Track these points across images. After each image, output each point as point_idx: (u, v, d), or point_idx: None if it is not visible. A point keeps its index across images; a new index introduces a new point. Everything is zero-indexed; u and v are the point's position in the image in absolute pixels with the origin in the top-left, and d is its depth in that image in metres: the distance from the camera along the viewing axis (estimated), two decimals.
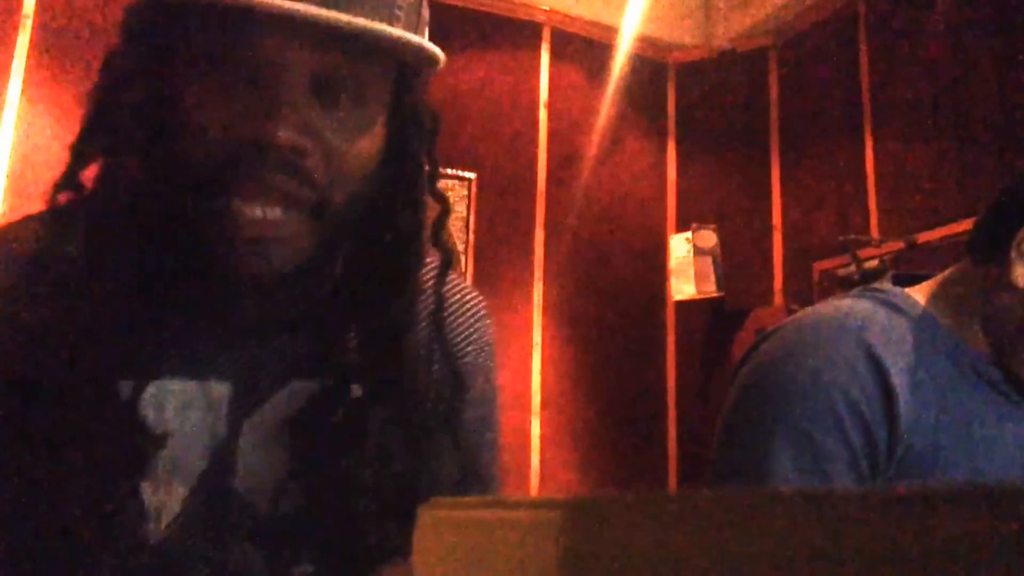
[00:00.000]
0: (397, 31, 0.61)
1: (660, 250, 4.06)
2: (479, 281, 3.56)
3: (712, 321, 3.98)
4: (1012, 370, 0.97)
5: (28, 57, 2.99)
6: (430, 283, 0.77)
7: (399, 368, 0.70)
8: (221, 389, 0.67)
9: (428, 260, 0.76)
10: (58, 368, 0.60)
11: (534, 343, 3.74)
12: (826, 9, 3.82)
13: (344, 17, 0.58)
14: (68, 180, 0.64)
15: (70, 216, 0.64)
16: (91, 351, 0.61)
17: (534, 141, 3.90)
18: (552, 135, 3.94)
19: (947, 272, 1.03)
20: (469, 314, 0.80)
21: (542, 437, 3.71)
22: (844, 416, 0.90)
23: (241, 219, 0.60)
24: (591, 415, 3.82)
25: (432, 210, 0.74)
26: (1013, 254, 0.94)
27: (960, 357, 0.97)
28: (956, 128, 3.17)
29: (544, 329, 3.79)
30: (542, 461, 3.69)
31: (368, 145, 0.65)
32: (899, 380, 0.91)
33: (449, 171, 3.57)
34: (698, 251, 3.87)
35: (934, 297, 1.01)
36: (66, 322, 0.61)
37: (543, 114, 3.93)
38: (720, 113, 4.16)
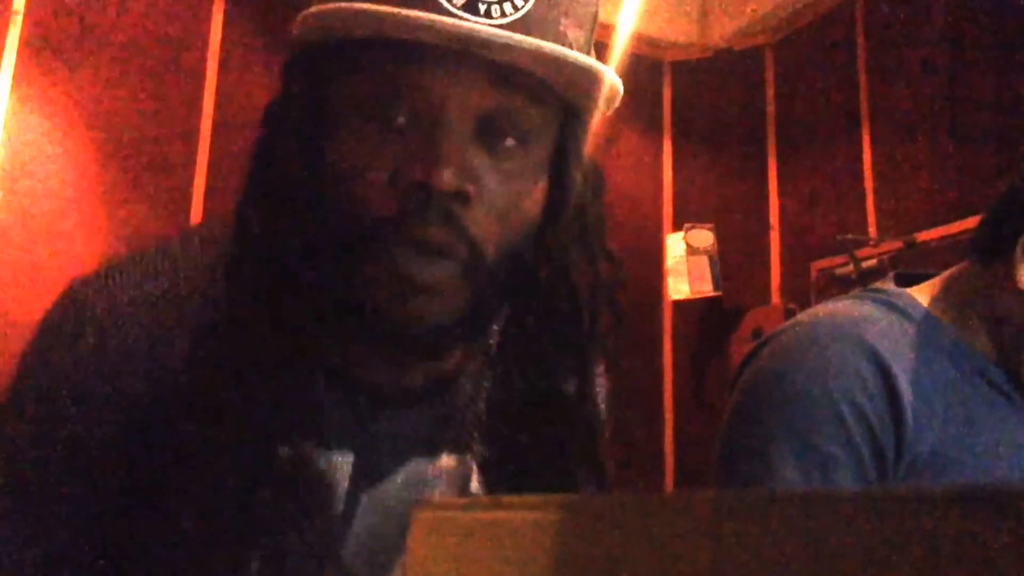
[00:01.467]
0: (586, 58, 0.56)
1: (656, 249, 4.06)
2: None
3: (709, 320, 3.98)
4: (1016, 372, 0.95)
5: (18, 54, 2.97)
6: None
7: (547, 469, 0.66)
8: (344, 460, 0.62)
9: None
10: (201, 425, 0.58)
11: None
12: (823, 8, 3.82)
13: (531, 40, 0.53)
14: (242, 248, 0.61)
15: (216, 260, 0.61)
16: (234, 412, 0.58)
17: None
18: None
19: (949, 272, 1.02)
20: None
21: None
22: (850, 423, 0.88)
23: (397, 266, 0.56)
24: None
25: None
26: (1018, 255, 0.92)
27: (963, 359, 0.95)
28: (954, 127, 3.17)
29: None
30: None
31: (533, 196, 0.61)
32: (904, 384, 0.90)
33: None
34: (692, 251, 3.86)
35: (936, 298, 0.99)
36: (210, 381, 0.58)
37: None
38: (716, 112, 4.15)
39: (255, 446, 0.58)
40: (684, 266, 3.86)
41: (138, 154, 3.08)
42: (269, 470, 0.58)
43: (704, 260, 3.86)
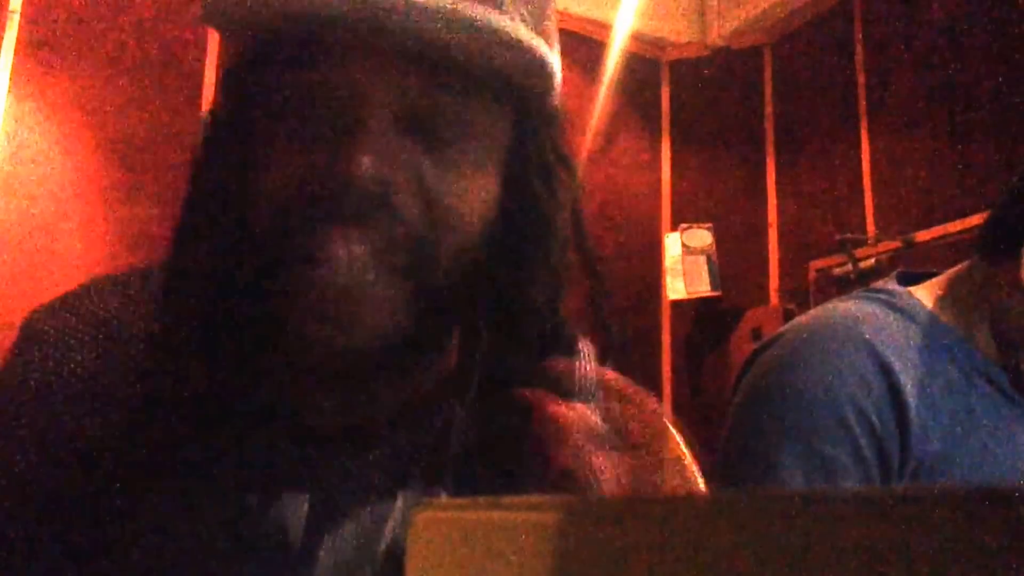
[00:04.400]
0: (514, 28, 0.49)
1: (655, 248, 4.06)
2: None
3: (707, 320, 3.98)
4: (1018, 371, 0.94)
5: (16, 53, 2.97)
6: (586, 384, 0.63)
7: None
8: (294, 507, 0.56)
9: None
10: (112, 480, 0.53)
11: None
12: (821, 6, 3.82)
13: (441, 2, 0.47)
14: (176, 271, 0.56)
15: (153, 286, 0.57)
16: (155, 463, 0.53)
17: None
18: None
19: (953, 271, 1.01)
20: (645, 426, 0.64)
21: None
22: (855, 428, 0.87)
23: (319, 267, 0.49)
24: None
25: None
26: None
27: (965, 359, 0.94)
28: (953, 125, 3.17)
29: None
30: None
31: (477, 192, 0.54)
32: (909, 387, 0.89)
33: None
34: (689, 251, 3.86)
35: (940, 298, 0.98)
36: (127, 426, 0.54)
37: None
38: (715, 111, 4.15)
39: (197, 500, 0.54)
40: (682, 266, 3.86)
41: (137, 154, 3.08)
42: (215, 523, 0.54)
43: (702, 260, 3.85)
